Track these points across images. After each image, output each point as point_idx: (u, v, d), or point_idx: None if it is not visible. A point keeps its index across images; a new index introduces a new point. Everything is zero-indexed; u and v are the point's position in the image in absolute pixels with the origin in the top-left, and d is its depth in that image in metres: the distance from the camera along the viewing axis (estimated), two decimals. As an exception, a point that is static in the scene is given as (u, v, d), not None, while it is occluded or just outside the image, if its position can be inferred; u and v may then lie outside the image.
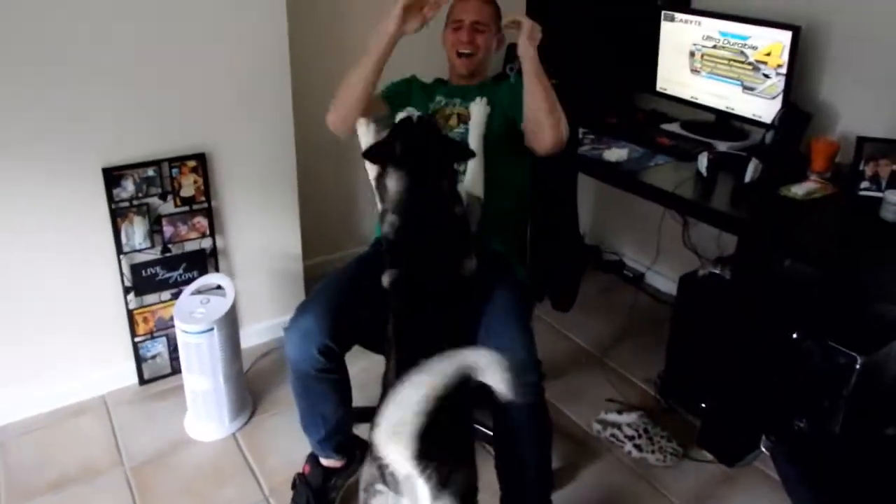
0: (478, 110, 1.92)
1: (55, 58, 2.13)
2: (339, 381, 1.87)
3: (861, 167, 2.04)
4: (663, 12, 2.67)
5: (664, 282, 3.16)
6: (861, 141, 2.03)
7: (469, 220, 1.77)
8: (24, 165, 2.17)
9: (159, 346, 2.53)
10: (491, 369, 1.27)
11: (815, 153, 2.17)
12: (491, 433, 1.87)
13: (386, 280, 1.70)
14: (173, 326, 2.45)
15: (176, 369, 2.55)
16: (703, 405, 2.32)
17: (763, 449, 2.22)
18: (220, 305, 2.29)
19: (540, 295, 2.15)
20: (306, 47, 2.74)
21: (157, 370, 2.55)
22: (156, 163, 2.35)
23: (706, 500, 2.10)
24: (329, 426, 1.92)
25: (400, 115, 1.85)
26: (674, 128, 2.64)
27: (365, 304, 1.79)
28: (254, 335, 2.71)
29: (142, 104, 2.30)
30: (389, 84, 2.12)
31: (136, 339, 2.48)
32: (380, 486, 1.42)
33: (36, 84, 2.12)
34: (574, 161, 2.33)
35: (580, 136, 2.56)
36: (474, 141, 1.89)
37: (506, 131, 1.97)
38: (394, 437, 1.24)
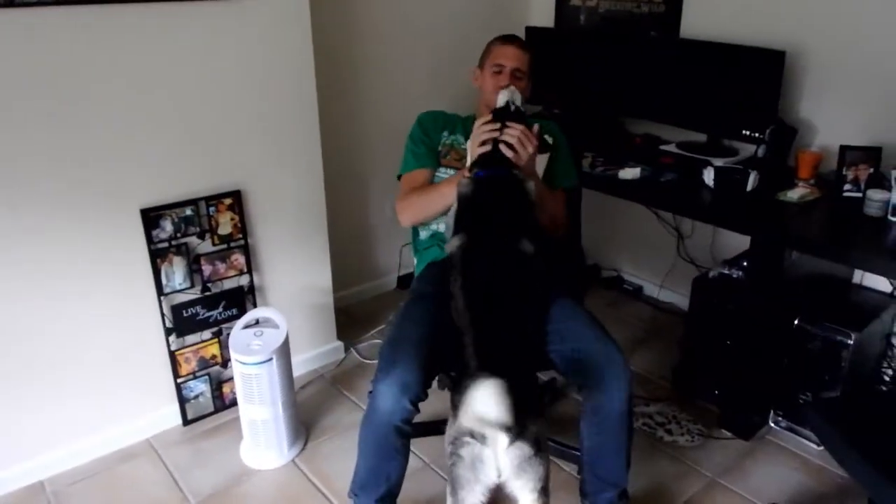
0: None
1: (89, 103, 2.11)
2: (409, 436, 1.82)
3: (844, 172, 2.38)
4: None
5: (664, 292, 3.40)
6: (843, 149, 2.36)
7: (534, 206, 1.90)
8: (63, 212, 2.14)
9: (202, 386, 2.51)
10: None
11: (801, 163, 2.49)
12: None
13: (454, 244, 1.79)
14: (215, 365, 2.48)
15: (219, 407, 2.56)
16: (717, 392, 2.60)
17: (772, 423, 2.53)
18: (275, 336, 2.32)
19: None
20: (333, 91, 2.87)
21: (201, 410, 2.54)
22: (193, 202, 2.36)
23: (733, 470, 2.34)
24: (391, 484, 1.86)
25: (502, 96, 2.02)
26: (671, 148, 2.88)
27: (445, 336, 1.77)
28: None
29: (177, 145, 2.31)
30: (418, 143, 2.24)
31: (179, 381, 2.46)
32: (467, 438, 1.58)
33: (71, 129, 2.09)
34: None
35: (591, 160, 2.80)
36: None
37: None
38: (480, 423, 1.49)
